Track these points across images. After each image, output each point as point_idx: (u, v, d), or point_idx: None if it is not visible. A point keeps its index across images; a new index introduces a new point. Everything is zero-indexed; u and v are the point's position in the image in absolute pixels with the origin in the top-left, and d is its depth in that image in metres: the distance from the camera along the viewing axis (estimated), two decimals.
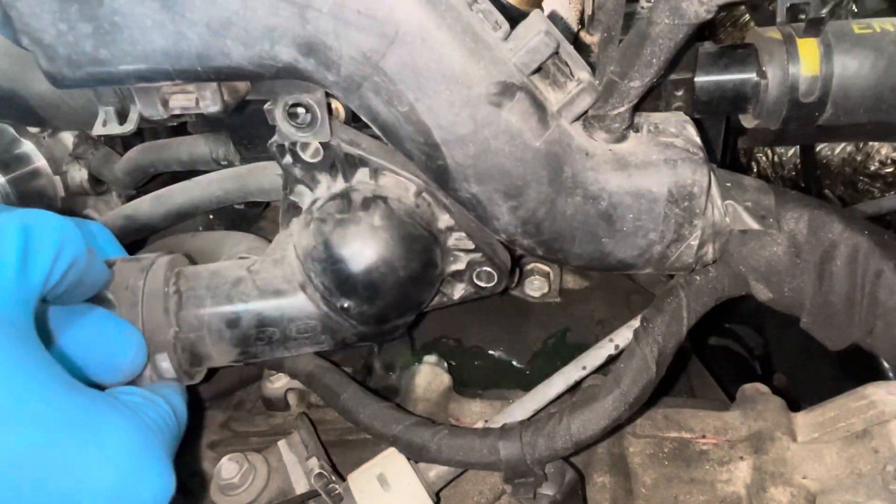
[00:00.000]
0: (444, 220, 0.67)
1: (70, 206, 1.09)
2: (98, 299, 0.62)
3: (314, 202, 0.67)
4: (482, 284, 0.73)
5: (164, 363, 0.64)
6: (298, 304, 0.66)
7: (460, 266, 0.71)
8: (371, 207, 0.64)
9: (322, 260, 0.64)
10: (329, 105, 0.64)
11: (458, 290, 0.74)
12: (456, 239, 0.68)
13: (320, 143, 0.63)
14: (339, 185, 0.66)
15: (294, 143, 0.64)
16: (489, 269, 0.71)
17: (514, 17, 0.58)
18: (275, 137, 0.64)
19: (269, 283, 0.66)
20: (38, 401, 0.44)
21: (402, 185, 0.65)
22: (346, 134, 0.65)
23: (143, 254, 0.70)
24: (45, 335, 0.51)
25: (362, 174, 0.65)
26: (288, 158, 0.65)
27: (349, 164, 0.65)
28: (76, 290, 0.56)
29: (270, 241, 0.72)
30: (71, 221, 0.53)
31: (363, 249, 0.63)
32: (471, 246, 0.69)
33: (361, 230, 0.63)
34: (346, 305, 0.65)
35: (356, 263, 0.64)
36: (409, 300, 0.68)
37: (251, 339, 0.66)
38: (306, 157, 0.65)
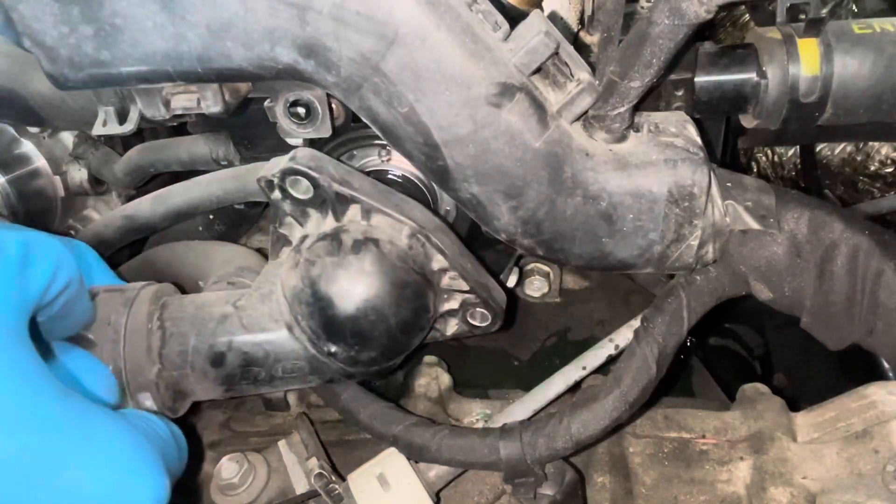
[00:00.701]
0: (439, 261, 0.65)
1: (70, 206, 1.09)
2: (78, 338, 0.60)
3: (304, 239, 0.65)
4: (476, 324, 0.71)
5: (147, 402, 0.62)
6: (285, 345, 0.64)
7: (454, 305, 0.69)
8: (361, 251, 0.62)
9: (309, 303, 0.62)
10: (329, 102, 0.64)
11: (452, 327, 0.72)
12: (450, 278, 0.67)
13: (310, 182, 0.62)
14: (330, 223, 0.64)
15: (283, 180, 0.62)
16: (483, 310, 0.70)
17: (514, 18, 0.58)
18: (263, 172, 0.62)
19: (255, 322, 0.63)
20: (32, 406, 0.45)
21: (394, 227, 0.63)
22: (338, 172, 0.63)
23: (132, 277, 0.68)
24: (40, 347, 0.51)
25: (353, 212, 0.63)
26: (277, 194, 0.63)
27: (340, 203, 0.63)
28: (63, 321, 0.56)
29: (263, 252, 0.71)
30: (65, 246, 0.53)
31: (352, 295, 0.61)
32: (465, 287, 0.67)
33: (351, 275, 0.61)
34: (333, 350, 0.63)
35: (344, 309, 0.61)
36: (399, 345, 0.66)
37: (236, 378, 0.64)
38: (296, 193, 0.63)
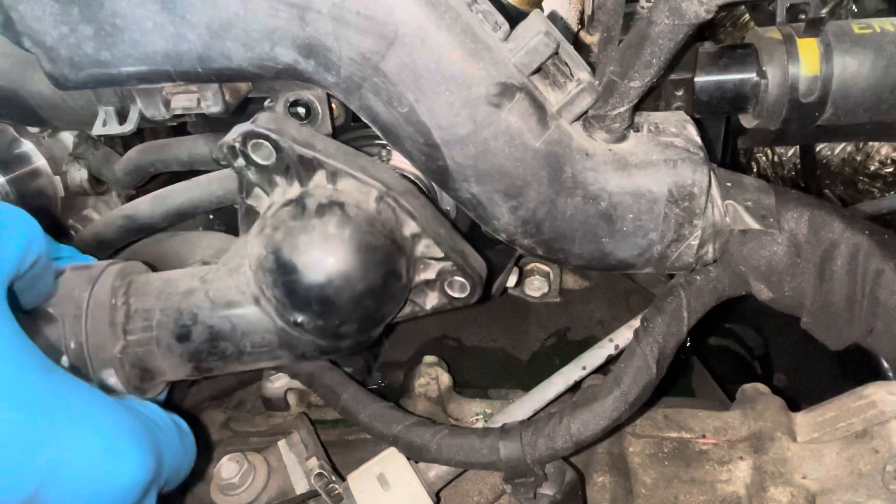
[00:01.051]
0: (411, 227, 0.63)
1: (70, 206, 1.09)
2: (39, 313, 0.59)
3: (270, 207, 0.63)
4: (454, 294, 0.68)
5: (111, 379, 0.60)
6: (252, 318, 0.62)
7: (430, 275, 0.67)
8: (326, 214, 0.59)
9: (273, 271, 0.59)
10: (329, 102, 0.64)
11: (431, 300, 0.69)
12: (425, 246, 0.64)
13: (272, 145, 0.59)
14: (295, 189, 0.61)
15: (245, 145, 0.60)
16: (461, 278, 0.67)
17: (514, 17, 0.58)
18: (224, 138, 0.60)
19: (221, 295, 0.61)
20: (18, 380, 0.45)
21: (362, 190, 0.61)
22: (301, 135, 0.61)
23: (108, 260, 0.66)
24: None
25: (320, 178, 0.61)
26: (240, 161, 0.61)
27: (305, 168, 0.60)
28: (25, 295, 0.55)
29: None
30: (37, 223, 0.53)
31: (316, 260, 0.58)
32: (439, 254, 0.64)
33: (314, 239, 0.58)
34: (299, 320, 0.61)
35: (309, 275, 0.59)
36: (370, 314, 0.63)
37: (203, 354, 0.62)
38: (259, 159, 0.60)
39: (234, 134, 0.60)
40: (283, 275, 0.59)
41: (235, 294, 0.62)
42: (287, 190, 0.62)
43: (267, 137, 0.59)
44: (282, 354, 0.64)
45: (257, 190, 0.63)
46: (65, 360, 0.58)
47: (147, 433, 0.52)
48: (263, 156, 0.60)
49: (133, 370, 0.61)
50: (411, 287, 0.67)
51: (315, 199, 0.60)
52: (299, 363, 0.68)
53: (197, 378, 0.66)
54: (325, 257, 0.59)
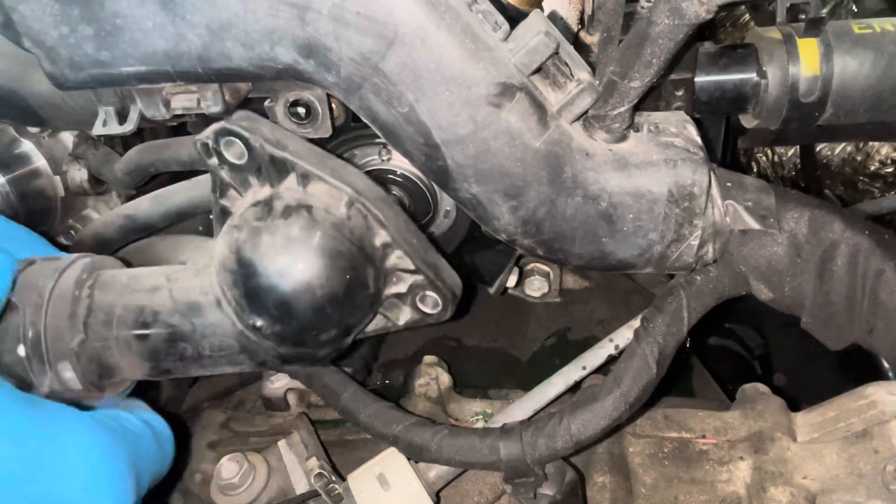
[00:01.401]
0: (381, 237, 0.61)
1: (70, 206, 1.09)
2: (2, 302, 0.57)
3: (240, 208, 0.61)
4: (426, 310, 0.66)
5: (67, 373, 0.58)
6: (212, 320, 0.60)
7: (402, 288, 0.64)
8: (291, 216, 0.57)
9: (233, 272, 0.58)
10: (329, 102, 0.64)
11: (404, 315, 0.67)
12: (397, 258, 0.62)
13: (243, 143, 0.58)
14: (266, 191, 0.60)
15: (218, 142, 0.58)
16: (433, 293, 0.64)
17: (514, 17, 0.58)
18: (199, 135, 0.59)
19: (184, 294, 0.60)
20: (4, 415, 0.46)
21: (333, 195, 0.59)
22: (273, 134, 0.59)
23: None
24: None
25: (291, 180, 0.59)
26: (214, 160, 0.60)
27: (276, 169, 0.59)
28: None
29: None
30: None
31: (276, 263, 0.57)
32: (412, 266, 0.62)
33: (276, 241, 0.57)
34: (258, 324, 0.59)
35: (267, 277, 0.57)
36: (331, 323, 0.61)
37: (161, 354, 0.60)
38: (231, 158, 0.59)
39: (208, 131, 0.59)
40: (242, 276, 0.58)
41: (199, 294, 0.60)
42: (259, 191, 0.60)
43: (238, 135, 0.58)
44: (242, 360, 0.62)
45: (232, 191, 0.62)
46: (21, 349, 0.57)
47: (127, 455, 0.53)
48: (236, 154, 0.59)
49: (90, 365, 0.60)
50: (381, 299, 0.65)
51: (283, 201, 0.58)
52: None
53: (155, 378, 0.64)
54: (286, 260, 0.57)
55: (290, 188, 0.59)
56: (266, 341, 0.60)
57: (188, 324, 0.60)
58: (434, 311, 0.66)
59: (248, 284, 0.58)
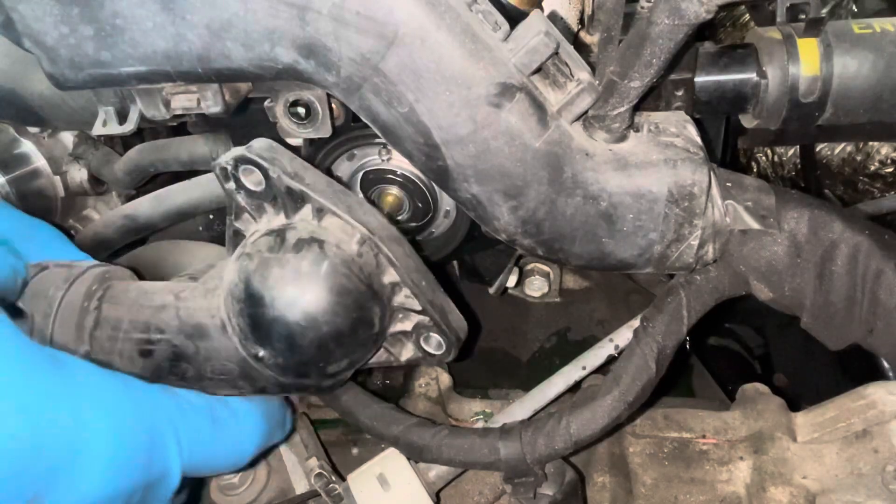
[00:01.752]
0: (391, 275, 0.61)
1: (70, 206, 1.09)
2: (10, 308, 0.58)
3: (253, 234, 0.62)
4: (430, 350, 0.66)
5: None
6: (217, 344, 0.60)
7: (407, 327, 0.64)
8: (303, 250, 0.57)
9: (240, 300, 0.58)
10: (329, 102, 0.64)
11: (406, 352, 0.67)
12: (404, 296, 0.62)
13: (261, 172, 0.58)
14: (280, 220, 0.60)
15: (237, 168, 0.59)
16: (437, 335, 0.64)
17: (514, 17, 0.58)
18: (218, 159, 0.59)
19: (191, 316, 0.60)
20: (22, 384, 0.46)
21: (346, 230, 0.59)
22: (292, 166, 0.59)
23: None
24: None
25: (306, 212, 0.59)
26: (231, 184, 0.60)
27: (292, 200, 0.59)
28: None
29: None
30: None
31: (284, 296, 0.56)
32: (419, 307, 0.62)
33: (285, 274, 0.56)
34: (260, 354, 0.59)
35: (274, 310, 0.57)
36: (334, 358, 0.61)
37: (164, 372, 0.60)
38: (249, 184, 0.59)
39: (228, 157, 0.59)
40: (249, 305, 0.58)
41: (205, 317, 0.60)
42: (273, 219, 0.61)
43: (257, 164, 0.58)
44: (242, 385, 0.62)
45: (246, 215, 0.62)
46: None
47: (151, 425, 0.53)
48: (253, 182, 0.59)
49: None
50: (385, 335, 0.65)
51: (296, 233, 0.58)
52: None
53: None
54: (294, 294, 0.57)
55: (304, 220, 0.59)
56: (267, 371, 0.61)
57: (192, 346, 0.60)
58: (437, 353, 0.66)
59: (254, 315, 0.58)
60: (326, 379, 0.63)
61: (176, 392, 0.58)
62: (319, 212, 0.59)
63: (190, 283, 0.64)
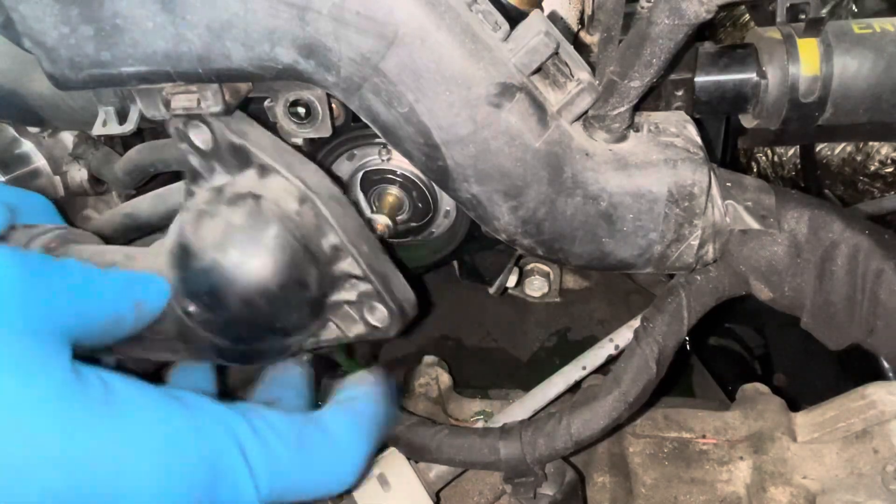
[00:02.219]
0: (331, 239, 0.59)
1: (70, 206, 1.09)
2: None
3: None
4: (373, 322, 0.63)
5: None
6: None
7: (350, 296, 0.62)
8: (237, 204, 0.56)
9: (174, 253, 0.57)
10: (329, 102, 0.64)
11: (356, 328, 0.64)
12: (348, 264, 0.60)
13: (207, 126, 0.58)
14: (225, 178, 0.59)
15: (187, 127, 0.58)
16: (379, 304, 0.61)
17: (514, 17, 0.58)
18: (171, 119, 0.58)
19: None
20: (52, 395, 0.41)
21: (287, 189, 0.57)
22: (238, 123, 0.59)
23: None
24: None
25: (251, 171, 0.58)
26: (185, 144, 0.59)
27: (236, 158, 0.58)
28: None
29: None
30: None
31: (211, 247, 0.56)
32: (359, 273, 0.60)
33: (216, 225, 0.56)
34: (190, 309, 0.58)
35: (202, 262, 0.56)
36: (265, 319, 0.59)
37: None
38: (198, 142, 0.58)
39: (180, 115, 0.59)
40: (180, 257, 0.57)
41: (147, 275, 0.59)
42: (220, 178, 0.60)
43: (201, 118, 0.57)
44: (178, 347, 0.61)
45: (201, 178, 0.61)
46: None
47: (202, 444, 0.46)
48: (203, 140, 0.58)
49: None
50: (325, 304, 0.62)
51: (234, 189, 0.57)
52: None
53: (102, 356, 0.62)
54: (222, 245, 0.55)
55: (247, 177, 0.58)
56: (200, 330, 0.59)
57: None
58: (381, 325, 0.63)
59: (184, 267, 0.57)
60: (260, 344, 0.61)
61: (252, 412, 0.52)
62: (263, 170, 0.58)
63: (143, 248, 0.62)
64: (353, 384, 0.61)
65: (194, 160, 0.59)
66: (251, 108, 0.69)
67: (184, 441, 0.46)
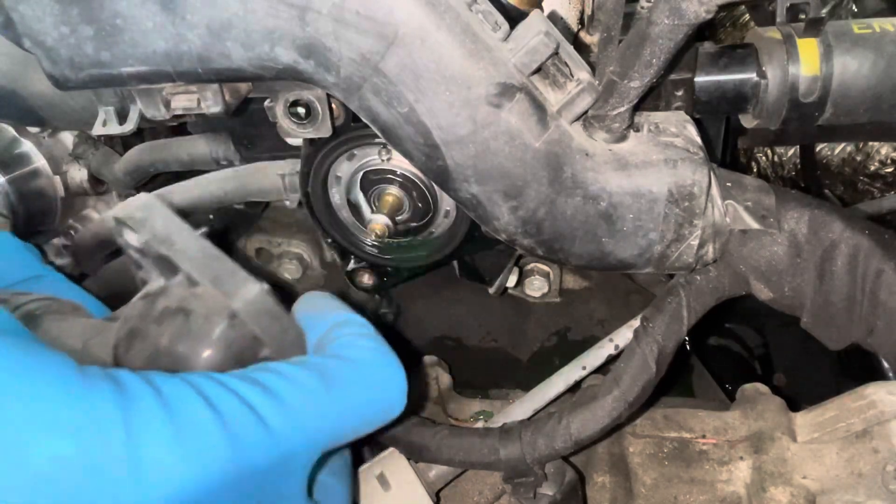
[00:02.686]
0: (265, 351, 0.56)
1: (70, 206, 1.09)
2: None
3: (141, 292, 0.58)
4: None
5: None
6: None
7: None
8: (165, 322, 0.53)
9: (108, 365, 0.53)
10: (329, 102, 0.64)
11: None
12: None
13: (138, 236, 0.54)
14: (160, 283, 0.56)
15: (121, 227, 0.55)
16: None
17: (514, 17, 0.58)
18: (112, 211, 0.56)
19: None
20: (59, 403, 0.40)
21: (218, 300, 0.54)
22: (165, 229, 0.55)
23: None
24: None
25: (181, 277, 0.55)
26: (122, 239, 0.57)
27: (167, 266, 0.55)
28: None
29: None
30: None
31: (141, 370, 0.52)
32: None
33: (145, 348, 0.53)
34: None
35: None
36: None
37: None
38: (132, 241, 0.56)
39: (116, 209, 0.56)
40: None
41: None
42: (155, 280, 0.57)
43: (129, 227, 0.54)
44: None
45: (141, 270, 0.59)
46: None
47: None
48: (136, 239, 0.56)
49: None
50: None
51: (165, 301, 0.54)
52: None
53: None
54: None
55: (178, 285, 0.55)
56: None
57: None
58: None
59: None
60: None
61: (258, 371, 0.51)
62: (191, 279, 0.54)
63: (110, 325, 0.59)
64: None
65: (133, 254, 0.57)
66: (251, 108, 0.69)
67: (191, 408, 0.44)
